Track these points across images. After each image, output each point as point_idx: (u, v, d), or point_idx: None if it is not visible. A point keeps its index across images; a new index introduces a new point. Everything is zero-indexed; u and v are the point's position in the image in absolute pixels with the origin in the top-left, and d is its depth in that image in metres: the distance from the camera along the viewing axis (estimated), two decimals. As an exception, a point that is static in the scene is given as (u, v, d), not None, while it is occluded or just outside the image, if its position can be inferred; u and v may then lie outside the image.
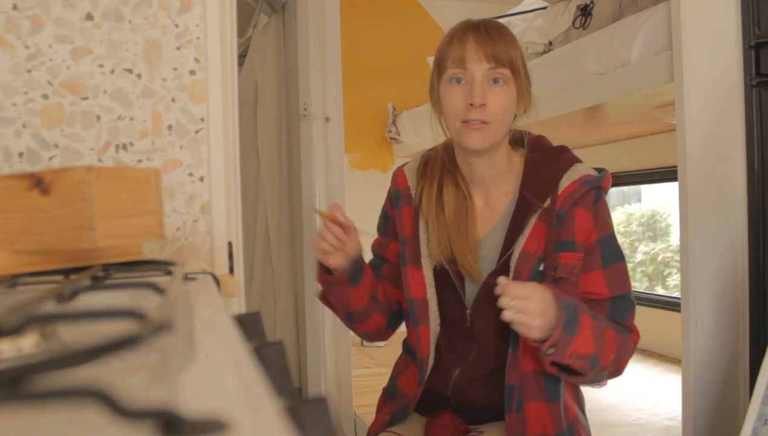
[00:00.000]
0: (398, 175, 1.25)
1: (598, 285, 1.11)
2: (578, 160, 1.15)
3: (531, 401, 1.10)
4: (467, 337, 1.17)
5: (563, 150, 1.18)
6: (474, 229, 1.15)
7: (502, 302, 0.98)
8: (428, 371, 1.18)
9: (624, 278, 1.13)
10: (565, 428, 1.10)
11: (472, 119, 1.07)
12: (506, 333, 1.10)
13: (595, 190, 1.11)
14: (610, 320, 1.10)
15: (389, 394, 1.29)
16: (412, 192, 1.21)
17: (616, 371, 1.12)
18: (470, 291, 1.16)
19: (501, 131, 1.10)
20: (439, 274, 1.17)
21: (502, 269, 1.11)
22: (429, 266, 1.17)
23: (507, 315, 0.98)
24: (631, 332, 1.13)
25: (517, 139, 1.21)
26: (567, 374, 1.06)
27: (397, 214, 1.22)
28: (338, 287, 1.18)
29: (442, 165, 1.19)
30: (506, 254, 1.11)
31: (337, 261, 1.14)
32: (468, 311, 1.15)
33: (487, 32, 1.08)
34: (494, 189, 1.17)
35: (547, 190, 1.11)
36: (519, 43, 1.13)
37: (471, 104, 1.06)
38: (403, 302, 1.22)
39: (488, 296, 1.06)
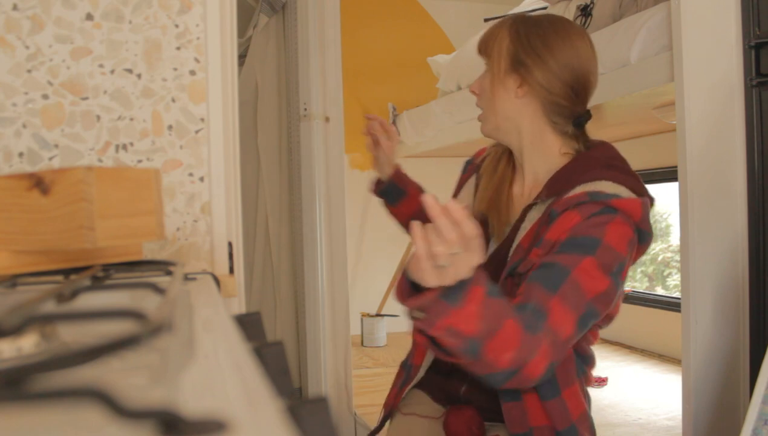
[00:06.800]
0: (480, 150, 1.36)
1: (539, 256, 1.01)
2: (617, 181, 1.05)
3: (528, 392, 1.05)
4: None
5: (609, 165, 1.10)
6: (510, 205, 1.18)
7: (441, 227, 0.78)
8: None
9: (575, 263, 0.95)
10: (568, 425, 1.06)
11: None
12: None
13: (603, 206, 1.01)
14: (522, 308, 0.92)
15: (404, 366, 1.30)
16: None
17: (522, 378, 0.91)
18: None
19: (489, 116, 1.17)
20: None
21: (505, 256, 1.11)
22: None
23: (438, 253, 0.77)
24: (547, 321, 0.91)
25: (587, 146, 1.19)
26: (436, 347, 0.92)
27: (461, 178, 1.34)
28: (379, 197, 1.48)
29: None
30: (508, 244, 1.12)
31: (375, 167, 1.47)
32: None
33: (486, 29, 1.19)
34: (540, 181, 1.14)
35: (561, 191, 1.07)
36: (507, 30, 1.13)
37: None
38: None
39: (495, 268, 1.07)
